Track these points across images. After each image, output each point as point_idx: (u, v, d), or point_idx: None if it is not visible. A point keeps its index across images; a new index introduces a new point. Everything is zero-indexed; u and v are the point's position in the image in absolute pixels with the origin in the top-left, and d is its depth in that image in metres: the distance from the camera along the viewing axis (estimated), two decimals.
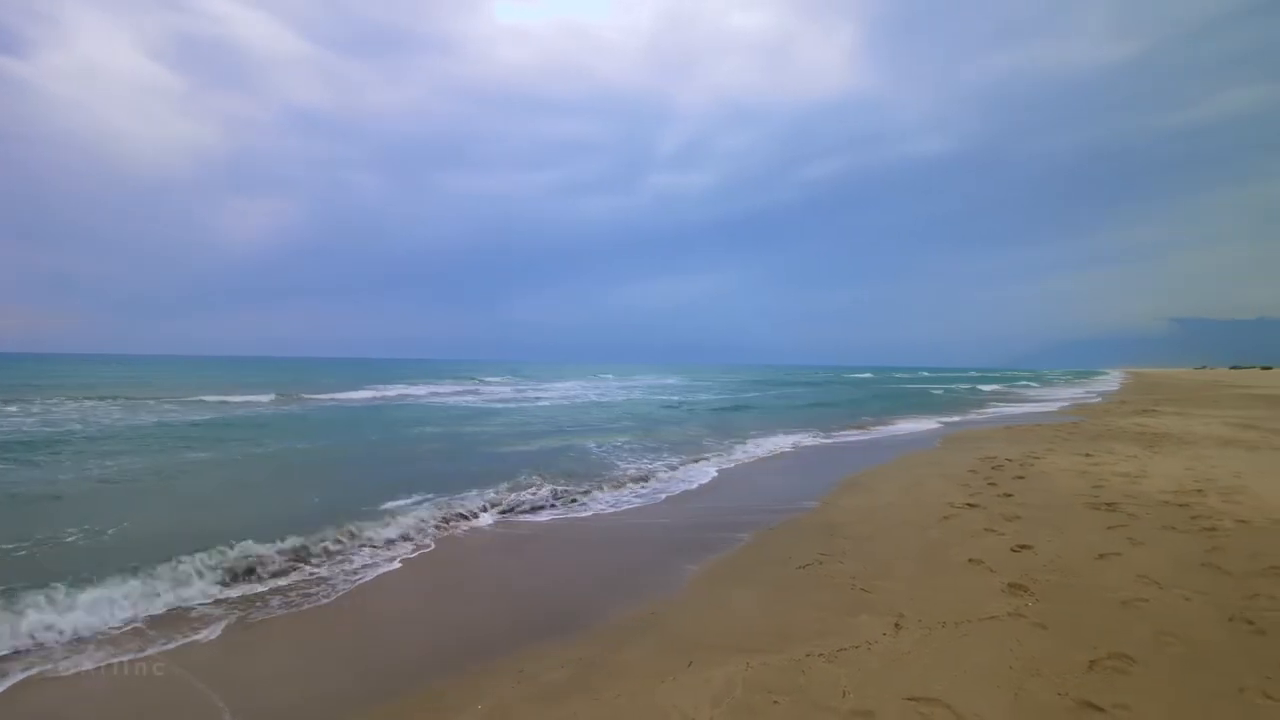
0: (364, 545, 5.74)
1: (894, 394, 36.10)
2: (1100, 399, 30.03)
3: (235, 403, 21.82)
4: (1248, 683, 3.01)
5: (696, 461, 10.57)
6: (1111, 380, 62.55)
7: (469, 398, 28.34)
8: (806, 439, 13.90)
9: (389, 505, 7.02)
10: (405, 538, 6.03)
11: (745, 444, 12.78)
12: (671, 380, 55.18)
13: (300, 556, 5.32)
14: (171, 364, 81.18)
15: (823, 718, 2.87)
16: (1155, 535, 5.51)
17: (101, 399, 21.68)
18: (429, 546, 5.93)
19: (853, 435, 15.21)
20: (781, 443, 13.08)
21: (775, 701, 3.01)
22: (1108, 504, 6.68)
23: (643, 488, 8.49)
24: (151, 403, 20.90)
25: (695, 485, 8.77)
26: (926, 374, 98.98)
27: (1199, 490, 7.21)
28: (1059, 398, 32.27)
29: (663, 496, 8.07)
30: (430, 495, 7.49)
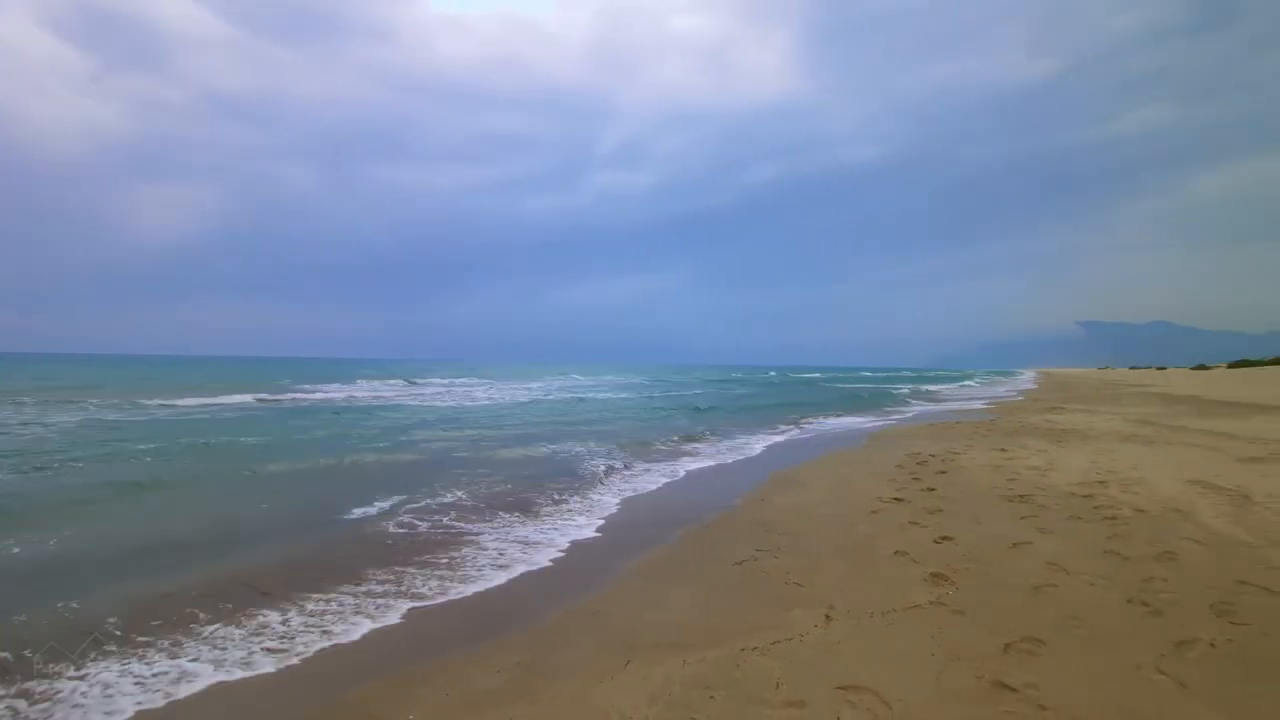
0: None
1: (839, 394, 37.14)
2: (1020, 397, 31.87)
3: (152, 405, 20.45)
4: (1143, 660, 3.26)
5: (641, 461, 10.60)
6: (1027, 380, 66.53)
7: (411, 400, 27.54)
8: (751, 437, 14.18)
9: (357, 513, 6.84)
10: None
11: (691, 442, 12.96)
12: (624, 379, 55.31)
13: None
14: (75, 363, 75.25)
15: (757, 710, 2.93)
16: (1063, 525, 5.90)
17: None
18: None
19: (794, 432, 15.62)
20: (730, 442, 13.30)
21: (711, 697, 3.05)
22: (1021, 496, 7.11)
23: (587, 491, 8.43)
24: (88, 404, 19.36)
25: (639, 486, 8.78)
26: (868, 374, 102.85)
27: (1101, 482, 7.76)
28: (980, 396, 34.09)
29: (604, 498, 8.05)
30: (393, 499, 7.32)
